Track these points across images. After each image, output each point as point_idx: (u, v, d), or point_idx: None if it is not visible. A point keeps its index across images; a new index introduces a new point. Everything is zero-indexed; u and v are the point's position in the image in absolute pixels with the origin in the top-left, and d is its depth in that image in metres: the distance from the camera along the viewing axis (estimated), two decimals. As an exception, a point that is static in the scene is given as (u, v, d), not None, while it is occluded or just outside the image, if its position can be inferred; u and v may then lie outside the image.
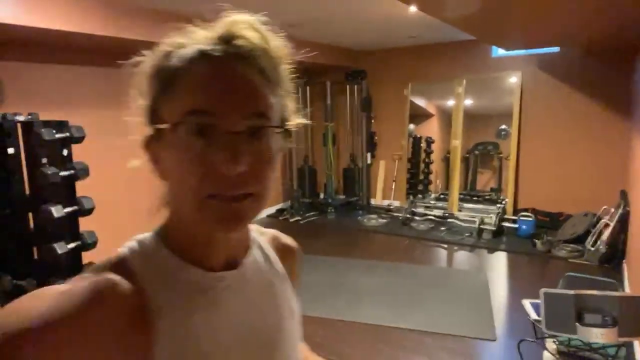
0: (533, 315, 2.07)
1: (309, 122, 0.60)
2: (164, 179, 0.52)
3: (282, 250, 0.67)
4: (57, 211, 2.55)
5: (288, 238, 0.71)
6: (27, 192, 2.61)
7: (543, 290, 1.88)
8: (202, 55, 0.49)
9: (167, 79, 0.49)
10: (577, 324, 1.78)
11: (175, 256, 0.52)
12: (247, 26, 0.50)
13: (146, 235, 0.54)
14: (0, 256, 2.56)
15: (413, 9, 3.29)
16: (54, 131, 2.59)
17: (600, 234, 4.20)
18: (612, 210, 4.28)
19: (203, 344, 0.51)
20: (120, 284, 0.47)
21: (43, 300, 0.44)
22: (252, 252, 0.61)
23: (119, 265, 0.49)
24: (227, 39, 0.50)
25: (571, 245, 4.38)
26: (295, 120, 0.57)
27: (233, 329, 0.54)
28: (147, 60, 0.52)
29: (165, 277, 0.51)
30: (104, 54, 3.89)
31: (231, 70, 0.49)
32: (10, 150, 2.54)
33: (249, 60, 0.50)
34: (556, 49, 5.03)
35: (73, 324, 0.42)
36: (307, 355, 0.78)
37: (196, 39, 0.51)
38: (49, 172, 2.52)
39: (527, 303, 2.21)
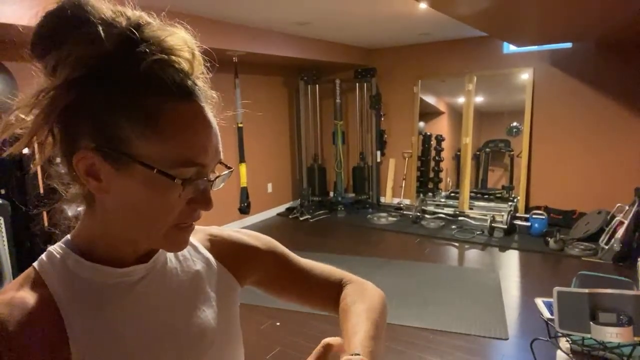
0: (546, 314, 2.05)
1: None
2: (104, 193, 0.51)
3: (209, 240, 0.69)
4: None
5: (214, 228, 0.73)
6: (42, 191, 2.66)
7: (557, 288, 1.86)
8: (175, 92, 0.48)
9: (139, 110, 0.47)
10: (591, 323, 1.76)
11: (84, 259, 0.54)
12: (189, 51, 0.52)
13: (57, 245, 0.57)
14: (15, 255, 2.60)
15: (423, 6, 3.27)
16: (68, 131, 2.63)
17: (614, 232, 4.14)
18: (627, 207, 4.21)
19: (121, 336, 0.53)
20: (26, 300, 0.49)
21: None
22: None
23: (29, 279, 0.52)
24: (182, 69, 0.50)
25: (584, 243, 4.33)
26: None
27: (155, 318, 0.56)
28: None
29: (72, 280, 0.53)
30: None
31: (204, 116, 0.51)
32: (25, 150, 2.58)
33: (204, 100, 0.52)
34: (569, 45, 4.96)
35: None
36: (346, 308, 0.67)
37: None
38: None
39: (539, 302, 2.19)
